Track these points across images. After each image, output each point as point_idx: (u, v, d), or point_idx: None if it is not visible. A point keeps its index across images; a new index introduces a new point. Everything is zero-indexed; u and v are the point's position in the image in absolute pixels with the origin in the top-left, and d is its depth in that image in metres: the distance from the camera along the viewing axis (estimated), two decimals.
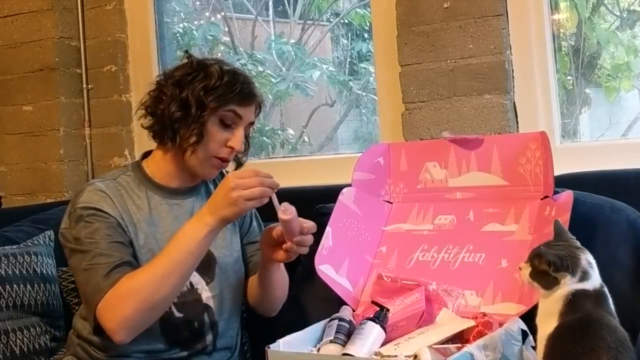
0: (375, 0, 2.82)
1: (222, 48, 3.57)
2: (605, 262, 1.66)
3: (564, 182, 2.08)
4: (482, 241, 2.09)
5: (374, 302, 1.97)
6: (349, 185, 2.23)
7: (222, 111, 1.96)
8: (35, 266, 2.40)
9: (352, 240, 2.19)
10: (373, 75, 2.97)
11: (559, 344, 1.53)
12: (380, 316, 1.84)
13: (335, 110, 3.45)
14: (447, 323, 1.89)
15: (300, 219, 1.89)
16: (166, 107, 1.97)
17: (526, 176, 2.10)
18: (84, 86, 3.34)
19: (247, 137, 2.07)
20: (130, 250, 1.93)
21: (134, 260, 1.91)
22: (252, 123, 2.06)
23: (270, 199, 1.83)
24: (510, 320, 1.76)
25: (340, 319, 1.89)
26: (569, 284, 1.57)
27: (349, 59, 3.53)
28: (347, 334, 1.85)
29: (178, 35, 3.57)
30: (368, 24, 3.19)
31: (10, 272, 2.33)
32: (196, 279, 2.03)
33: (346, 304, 2.07)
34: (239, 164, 2.13)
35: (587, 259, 1.61)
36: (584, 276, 1.58)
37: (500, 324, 1.78)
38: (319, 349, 1.84)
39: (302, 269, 2.21)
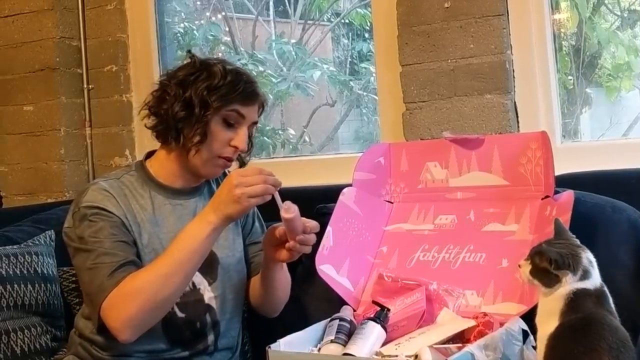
0: (376, 0, 2.82)
1: (223, 48, 3.57)
2: (606, 262, 1.66)
3: (564, 181, 2.08)
4: (483, 241, 2.09)
5: (374, 302, 1.97)
6: (350, 185, 2.23)
7: (225, 111, 1.96)
8: (36, 266, 2.40)
9: (353, 240, 2.19)
10: (374, 75, 2.97)
11: (560, 344, 1.53)
12: (381, 316, 1.84)
13: (336, 110, 3.45)
14: (448, 323, 1.89)
15: (303, 218, 1.89)
16: (169, 107, 1.97)
17: (527, 176, 2.10)
18: (85, 86, 3.34)
19: (250, 136, 2.08)
20: (134, 250, 1.93)
21: (138, 260, 1.92)
22: (256, 122, 2.06)
23: (273, 197, 1.83)
24: (510, 320, 1.76)
25: (341, 319, 1.89)
26: (570, 283, 1.57)
27: (349, 59, 3.53)
28: (348, 333, 1.85)
29: (179, 35, 3.57)
30: (369, 23, 3.19)
31: (11, 272, 2.33)
32: (198, 279, 2.03)
33: (347, 303, 2.07)
34: (242, 164, 2.13)
35: (588, 257, 1.61)
36: (585, 275, 1.58)
37: (501, 324, 1.78)
38: (319, 349, 1.84)
39: (303, 269, 2.21)
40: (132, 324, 1.83)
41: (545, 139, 2.07)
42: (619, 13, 2.74)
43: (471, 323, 1.84)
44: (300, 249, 1.92)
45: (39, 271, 2.40)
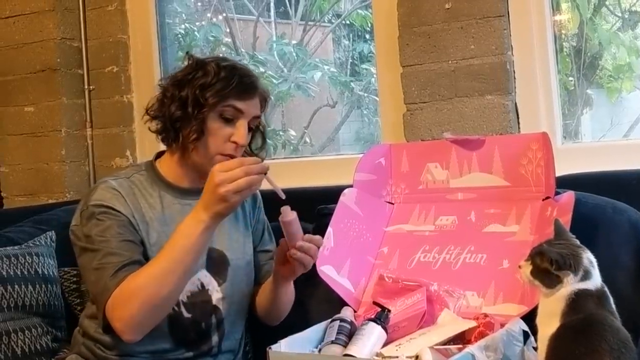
0: (377, 1, 2.82)
1: (224, 49, 3.57)
2: (607, 263, 1.66)
3: (565, 182, 2.08)
4: (484, 242, 2.09)
5: (375, 303, 1.97)
6: (351, 186, 2.24)
7: (221, 107, 1.96)
8: (36, 267, 2.40)
9: (354, 241, 2.19)
10: (374, 76, 2.97)
11: (561, 345, 1.52)
12: (381, 317, 1.84)
13: (337, 111, 3.45)
14: (449, 324, 1.89)
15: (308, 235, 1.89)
16: (167, 108, 1.98)
17: (528, 177, 2.10)
18: (86, 87, 3.34)
19: (258, 130, 2.08)
20: (140, 249, 1.93)
21: (144, 259, 1.91)
22: (258, 117, 2.05)
23: (269, 182, 1.83)
24: (511, 321, 1.76)
25: (342, 320, 1.89)
26: (571, 283, 1.57)
27: (350, 60, 3.53)
28: (349, 334, 1.85)
29: (179, 36, 3.57)
30: (369, 24, 3.19)
31: (11, 273, 2.33)
32: (207, 279, 2.03)
33: (347, 304, 2.07)
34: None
35: (589, 257, 1.61)
36: (586, 275, 1.58)
37: (502, 325, 1.78)
38: (320, 350, 1.84)
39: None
40: (135, 323, 1.83)
41: (546, 139, 2.07)
42: (620, 14, 2.74)
43: (472, 324, 1.84)
44: (300, 257, 1.90)
45: (40, 272, 2.40)
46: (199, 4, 3.67)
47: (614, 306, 1.59)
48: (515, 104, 2.52)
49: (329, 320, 1.92)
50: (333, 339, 1.84)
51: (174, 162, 2.05)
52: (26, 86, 3.33)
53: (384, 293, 2.06)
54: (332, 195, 2.23)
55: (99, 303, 1.88)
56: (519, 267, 1.66)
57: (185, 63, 2.05)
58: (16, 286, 2.32)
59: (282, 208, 1.85)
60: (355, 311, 2.05)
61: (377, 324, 1.82)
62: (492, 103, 2.51)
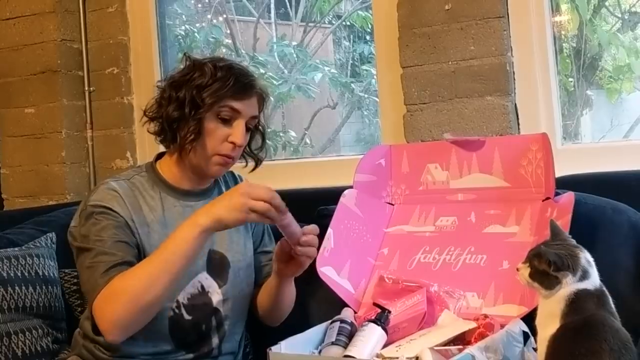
0: (377, 2, 2.83)
1: (224, 50, 3.57)
2: (606, 264, 1.66)
3: (565, 183, 2.08)
4: (484, 243, 2.09)
5: (375, 304, 1.97)
6: (351, 187, 2.24)
7: (218, 107, 1.96)
8: (37, 268, 2.40)
9: (354, 242, 2.19)
10: (375, 77, 2.98)
11: (561, 346, 1.52)
12: (381, 318, 1.84)
13: (337, 112, 3.45)
14: (449, 325, 1.89)
15: (306, 226, 1.90)
16: (165, 109, 1.99)
17: (527, 178, 2.10)
18: (86, 88, 3.34)
19: (258, 130, 2.09)
20: (134, 252, 1.92)
21: (136, 261, 1.91)
22: (255, 117, 2.05)
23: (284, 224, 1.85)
24: (511, 322, 1.76)
25: (342, 321, 1.89)
26: (570, 284, 1.56)
27: (350, 61, 3.54)
28: (349, 335, 1.85)
29: (180, 37, 3.57)
30: (370, 26, 3.19)
31: (12, 274, 2.33)
32: (208, 282, 2.03)
33: (348, 305, 2.07)
34: (257, 161, 2.13)
35: (586, 257, 1.61)
36: (584, 275, 1.58)
37: (502, 326, 1.78)
38: (320, 351, 1.84)
39: (304, 271, 2.21)
40: (119, 324, 1.81)
41: (545, 140, 2.07)
42: (619, 15, 2.74)
43: (472, 325, 1.84)
44: (305, 251, 1.92)
45: (40, 273, 2.40)
46: (200, 5, 3.67)
47: (613, 306, 1.59)
48: (515, 105, 2.52)
49: (329, 321, 1.92)
50: (333, 340, 1.84)
51: (173, 163, 2.05)
52: (26, 88, 3.34)
53: (384, 294, 2.06)
54: (332, 196, 2.23)
55: (89, 302, 1.88)
56: (517, 269, 1.65)
57: (183, 64, 2.05)
58: (17, 288, 2.32)
59: None
60: (355, 312, 2.05)
61: (378, 325, 1.82)
62: (492, 104, 2.51)
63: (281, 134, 3.47)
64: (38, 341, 2.33)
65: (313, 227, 1.94)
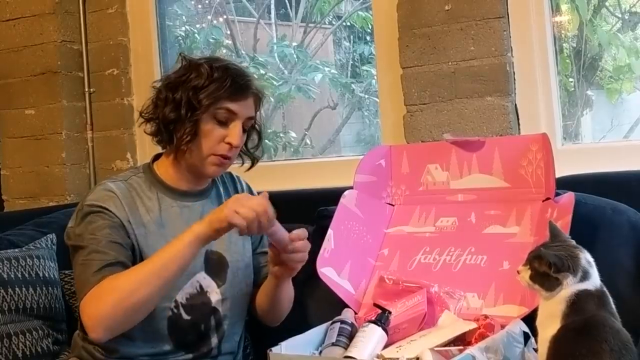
0: (377, 2, 2.83)
1: (224, 51, 3.57)
2: (606, 264, 1.66)
3: (565, 183, 2.08)
4: (484, 243, 2.09)
5: (375, 305, 1.97)
6: (351, 187, 2.24)
7: (214, 109, 1.96)
8: (37, 269, 2.40)
9: (354, 243, 2.19)
10: (375, 77, 2.98)
11: (562, 346, 1.52)
12: (382, 319, 1.84)
13: (338, 112, 3.45)
14: (449, 325, 1.89)
15: (293, 231, 1.90)
16: (161, 110, 1.99)
17: (528, 178, 2.10)
18: (86, 89, 3.34)
19: (254, 129, 2.08)
20: (128, 253, 1.93)
21: (129, 263, 1.91)
22: (252, 118, 2.05)
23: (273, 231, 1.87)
24: (512, 322, 1.76)
25: (342, 322, 1.89)
26: (570, 285, 1.56)
27: (351, 62, 3.54)
28: (349, 336, 1.85)
29: (180, 38, 3.57)
30: (370, 26, 3.19)
31: (12, 276, 2.33)
32: (207, 282, 2.03)
33: (348, 306, 2.07)
34: (253, 160, 2.13)
35: (586, 258, 1.61)
36: (585, 276, 1.58)
37: (502, 326, 1.78)
38: (321, 352, 1.84)
39: (304, 272, 2.21)
40: (104, 323, 1.81)
41: (546, 141, 2.07)
42: (619, 15, 2.74)
43: (472, 325, 1.84)
44: (293, 257, 1.93)
45: (41, 274, 2.41)
46: (200, 6, 3.67)
47: (614, 307, 1.59)
48: (515, 105, 2.52)
49: (330, 322, 1.92)
50: (334, 340, 1.84)
51: (170, 164, 2.05)
52: (27, 89, 3.34)
53: (385, 295, 2.06)
54: (332, 197, 2.23)
55: (79, 299, 1.88)
56: (518, 272, 1.65)
57: (179, 64, 2.05)
58: (17, 289, 2.32)
59: None
60: (355, 313, 2.05)
61: (378, 325, 1.82)
62: (492, 104, 2.51)
63: (281, 135, 3.46)
64: (38, 342, 2.33)
65: (301, 232, 1.94)
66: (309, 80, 3.39)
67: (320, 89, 3.40)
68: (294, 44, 3.44)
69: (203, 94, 1.95)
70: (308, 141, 3.44)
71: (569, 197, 1.93)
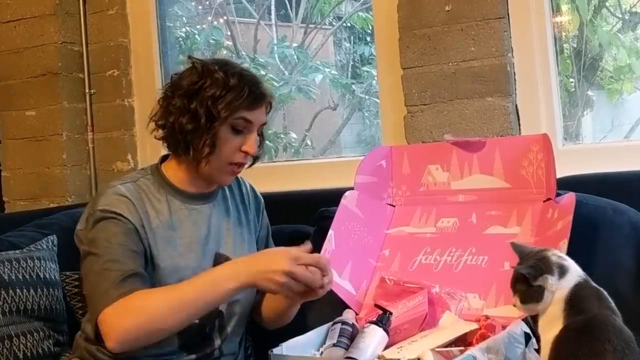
0: (377, 3, 2.83)
1: (225, 52, 3.57)
2: (607, 264, 1.67)
3: (566, 184, 2.08)
4: (485, 244, 2.09)
5: (376, 306, 1.97)
6: (352, 188, 2.23)
7: (232, 119, 1.95)
8: (38, 271, 2.40)
9: (355, 244, 2.19)
10: (375, 78, 2.98)
11: (564, 346, 1.52)
12: (383, 319, 1.84)
13: (338, 113, 3.45)
14: (450, 326, 1.89)
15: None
16: (176, 119, 1.96)
17: (528, 178, 2.10)
18: (87, 91, 3.34)
19: (261, 134, 2.08)
20: (142, 261, 1.92)
21: (145, 272, 1.91)
22: (265, 123, 2.05)
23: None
24: (513, 323, 1.76)
25: (343, 323, 1.89)
26: (554, 284, 1.57)
27: (351, 62, 3.54)
28: (350, 337, 1.85)
29: (180, 39, 3.58)
30: (370, 27, 3.19)
31: (13, 277, 2.33)
32: None
33: (349, 307, 2.07)
34: (255, 158, 2.11)
35: (555, 254, 1.62)
36: (562, 269, 1.58)
37: (503, 327, 1.78)
38: (322, 353, 1.84)
39: None
40: (126, 338, 1.81)
41: (546, 141, 2.07)
42: (620, 15, 2.74)
43: (473, 326, 1.84)
44: (328, 289, 1.88)
45: (42, 276, 2.40)
46: (200, 7, 3.67)
47: (612, 302, 1.59)
48: (516, 105, 2.52)
49: (331, 323, 1.92)
50: (335, 341, 1.84)
51: (181, 169, 2.04)
52: (27, 90, 3.34)
53: (386, 295, 2.06)
54: (333, 197, 2.23)
55: (94, 306, 1.87)
56: (514, 305, 1.66)
57: (187, 66, 2.03)
58: (18, 290, 2.32)
59: None
60: (356, 314, 2.05)
61: (379, 326, 1.82)
62: (492, 105, 2.51)
63: (282, 136, 3.46)
64: (39, 344, 2.32)
65: (321, 259, 1.87)
66: (310, 81, 3.40)
67: (321, 89, 3.40)
68: (295, 44, 3.45)
69: (221, 105, 1.93)
70: (309, 142, 3.44)
71: (569, 198, 1.93)
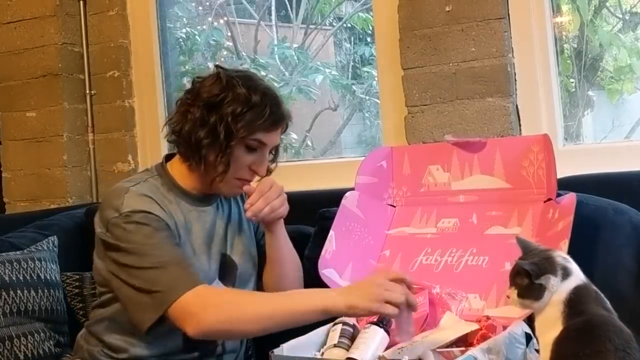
0: (378, 4, 2.83)
1: (225, 53, 3.57)
2: (608, 264, 1.66)
3: (567, 184, 2.08)
4: (486, 244, 2.09)
5: None
6: (352, 189, 2.23)
7: (249, 140, 1.95)
8: (39, 272, 2.41)
9: (356, 244, 2.19)
10: (376, 79, 2.97)
11: (565, 347, 1.52)
12: (384, 320, 1.83)
13: (339, 114, 3.45)
14: (451, 326, 1.89)
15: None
16: (192, 129, 1.95)
17: (529, 179, 2.10)
18: (87, 92, 3.35)
19: (275, 151, 2.08)
20: (183, 252, 1.92)
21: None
22: (278, 144, 2.06)
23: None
24: (513, 324, 1.76)
25: (344, 323, 1.89)
26: (556, 285, 1.56)
27: (351, 63, 3.54)
28: (351, 338, 1.84)
29: (181, 40, 3.57)
30: (370, 27, 3.19)
31: (14, 278, 2.33)
32: (220, 286, 2.03)
33: None
34: (268, 171, 2.11)
35: (561, 255, 1.60)
36: (566, 272, 1.57)
37: (504, 327, 1.78)
38: (322, 354, 1.84)
39: (306, 273, 2.21)
40: (212, 328, 1.79)
41: (547, 141, 2.07)
42: (620, 15, 2.74)
43: (474, 326, 1.84)
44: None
45: (42, 277, 2.41)
46: (200, 8, 3.67)
47: (608, 302, 1.58)
48: (516, 106, 2.52)
49: (331, 323, 1.92)
50: (336, 342, 1.84)
51: (191, 177, 2.03)
52: (28, 91, 3.34)
53: None
54: (334, 198, 2.23)
55: (156, 300, 1.81)
56: (507, 297, 1.64)
57: (211, 73, 2.01)
58: (18, 291, 2.33)
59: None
60: None
61: (380, 327, 1.81)
62: (493, 105, 2.51)
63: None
64: (40, 345, 2.33)
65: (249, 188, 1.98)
66: (310, 82, 3.39)
67: (321, 90, 3.40)
68: (295, 45, 3.45)
69: (240, 123, 1.92)
70: (309, 143, 3.44)
71: (570, 198, 1.93)
